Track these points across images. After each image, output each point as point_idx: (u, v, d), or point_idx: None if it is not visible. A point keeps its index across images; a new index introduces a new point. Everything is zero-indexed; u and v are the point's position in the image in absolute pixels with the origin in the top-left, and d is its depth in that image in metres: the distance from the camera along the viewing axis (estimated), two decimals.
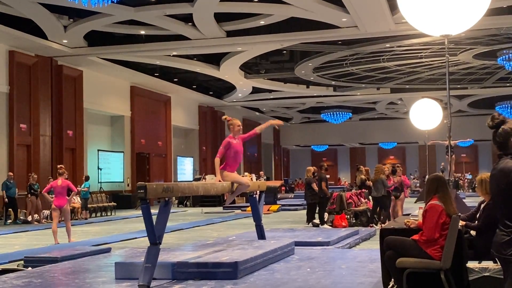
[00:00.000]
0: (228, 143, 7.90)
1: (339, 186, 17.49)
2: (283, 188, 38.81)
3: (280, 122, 8.55)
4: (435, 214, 5.46)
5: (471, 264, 5.96)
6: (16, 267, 8.36)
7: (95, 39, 21.02)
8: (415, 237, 5.63)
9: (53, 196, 12.13)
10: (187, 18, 19.00)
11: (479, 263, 6.34)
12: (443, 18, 8.59)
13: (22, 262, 8.84)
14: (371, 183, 15.00)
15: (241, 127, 8.16)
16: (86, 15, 18.50)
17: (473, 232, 6.28)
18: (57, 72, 22.47)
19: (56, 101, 22.35)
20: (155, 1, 17.72)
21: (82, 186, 19.92)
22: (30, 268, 8.06)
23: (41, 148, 21.43)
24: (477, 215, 6.37)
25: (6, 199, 18.23)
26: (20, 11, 17.87)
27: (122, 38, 21.40)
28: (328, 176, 15.63)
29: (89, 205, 20.32)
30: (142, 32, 20.53)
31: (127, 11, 17.83)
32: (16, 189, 18.53)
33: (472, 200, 21.05)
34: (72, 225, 13.04)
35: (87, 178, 20.52)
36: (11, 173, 19.00)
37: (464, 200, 19.40)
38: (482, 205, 6.33)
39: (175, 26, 19.48)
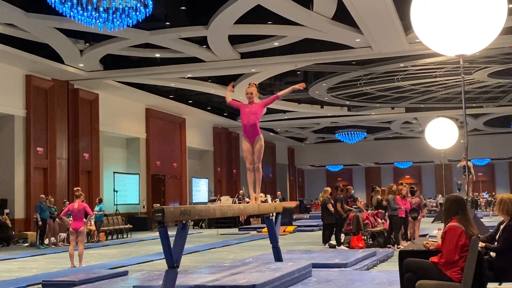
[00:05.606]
0: (237, 106, 8.79)
1: (355, 207, 17.36)
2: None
3: (302, 85, 8.74)
4: (455, 236, 5.42)
5: (491, 286, 5.89)
6: None
7: (111, 62, 21.23)
8: (434, 259, 5.58)
9: (71, 219, 12.17)
10: (201, 41, 19.15)
11: (499, 284, 6.26)
12: (458, 38, 8.58)
13: (40, 286, 8.86)
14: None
15: (252, 94, 8.60)
16: (102, 39, 18.71)
17: (493, 254, 6.21)
18: (73, 95, 22.69)
19: (72, 124, 22.55)
20: (170, 24, 17.90)
21: (98, 209, 19.89)
22: None
23: (57, 171, 21.58)
24: (497, 236, 6.31)
25: (40, 222, 18.08)
26: (37, 36, 18.12)
27: (137, 61, 21.59)
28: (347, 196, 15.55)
29: (105, 227, 20.33)
30: (157, 55, 20.71)
31: (142, 35, 18.01)
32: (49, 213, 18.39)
33: (489, 220, 20.83)
34: (88, 248, 13.00)
35: (100, 201, 20.48)
36: (43, 196, 18.89)
37: (481, 220, 19.20)
38: (502, 226, 6.26)
39: (189, 48, 19.63)
